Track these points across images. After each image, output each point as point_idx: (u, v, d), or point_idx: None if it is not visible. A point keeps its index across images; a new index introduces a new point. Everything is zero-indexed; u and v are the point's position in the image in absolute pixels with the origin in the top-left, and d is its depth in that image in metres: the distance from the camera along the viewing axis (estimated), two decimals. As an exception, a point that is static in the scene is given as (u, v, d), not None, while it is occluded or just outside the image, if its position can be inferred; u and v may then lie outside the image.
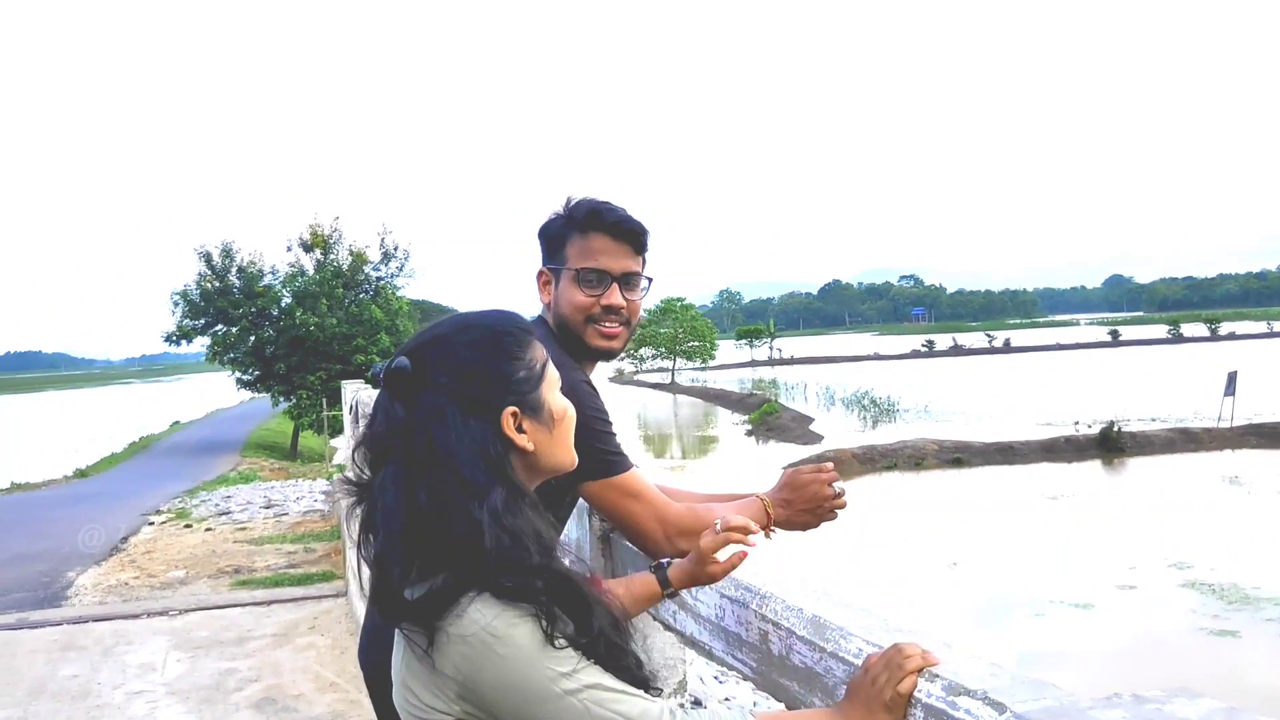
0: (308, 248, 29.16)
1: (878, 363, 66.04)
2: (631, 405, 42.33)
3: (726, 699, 5.96)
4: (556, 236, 2.11)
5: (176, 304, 28.45)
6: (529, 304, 2.15)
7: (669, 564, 1.65)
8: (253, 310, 28.06)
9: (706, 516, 1.93)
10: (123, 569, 9.64)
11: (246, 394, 32.17)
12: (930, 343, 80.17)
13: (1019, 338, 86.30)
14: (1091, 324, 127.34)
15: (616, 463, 1.95)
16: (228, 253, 28.72)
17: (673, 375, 54.42)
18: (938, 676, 1.10)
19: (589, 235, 2.07)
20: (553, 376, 1.39)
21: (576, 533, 2.45)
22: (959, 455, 20.48)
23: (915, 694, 1.14)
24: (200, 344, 29.51)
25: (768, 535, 2.03)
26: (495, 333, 1.36)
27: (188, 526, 12.12)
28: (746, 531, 1.59)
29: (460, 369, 1.32)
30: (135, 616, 7.80)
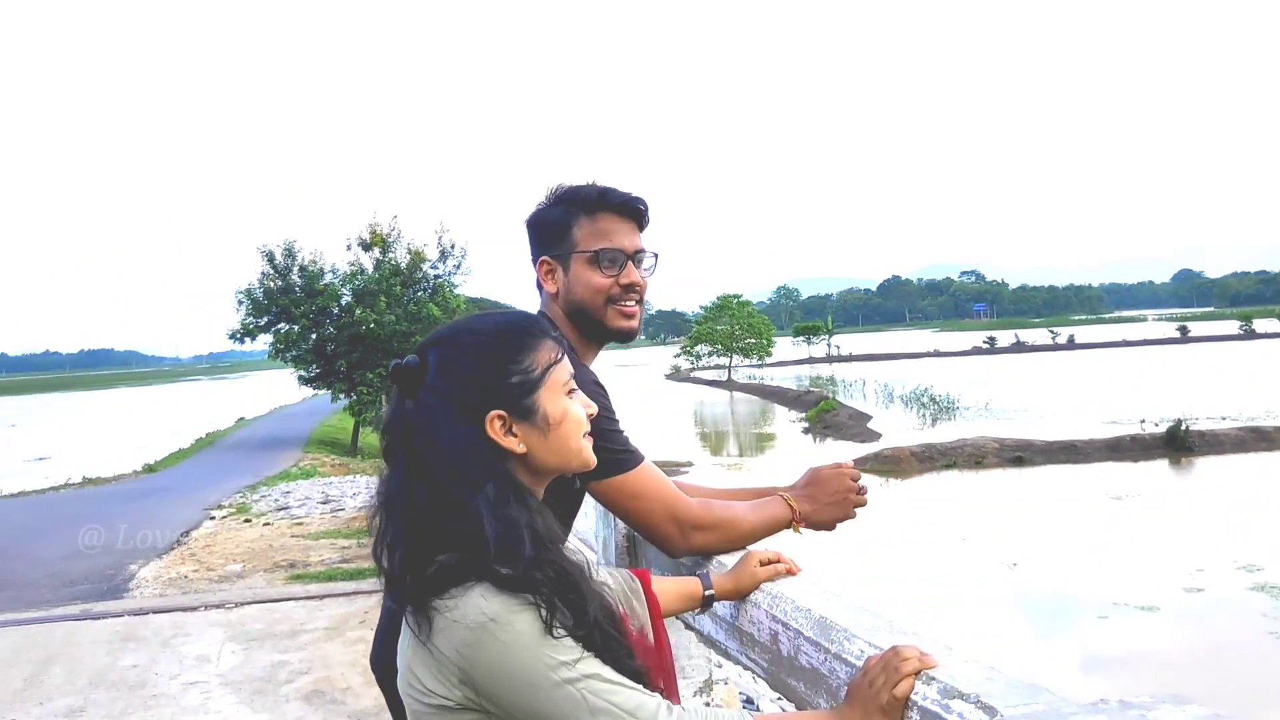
0: (367, 247, 29.50)
1: (938, 360, 65.12)
2: (688, 402, 42.26)
3: (779, 697, 5.92)
4: (558, 223, 2.10)
5: (241, 302, 29.00)
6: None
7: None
8: (313, 308, 28.46)
9: (723, 513, 1.93)
10: (183, 562, 9.85)
11: (308, 390, 32.68)
12: (992, 339, 78.96)
13: (1084, 334, 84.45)
14: (1160, 320, 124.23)
15: (624, 460, 1.92)
16: (290, 252, 29.17)
17: (729, 372, 54.22)
18: (934, 679, 1.11)
19: (597, 216, 2.07)
20: (556, 380, 1.42)
21: (603, 531, 2.44)
22: (1020, 454, 20.09)
23: (911, 697, 1.13)
24: (263, 341, 30.00)
25: (797, 529, 2.03)
26: (497, 336, 1.41)
27: (247, 521, 12.35)
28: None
29: (456, 371, 1.38)
30: (193, 609, 7.95)
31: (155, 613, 7.90)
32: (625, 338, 2.12)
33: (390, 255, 29.42)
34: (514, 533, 1.28)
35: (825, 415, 29.37)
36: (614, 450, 1.90)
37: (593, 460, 1.46)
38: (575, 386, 1.46)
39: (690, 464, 21.77)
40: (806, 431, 28.69)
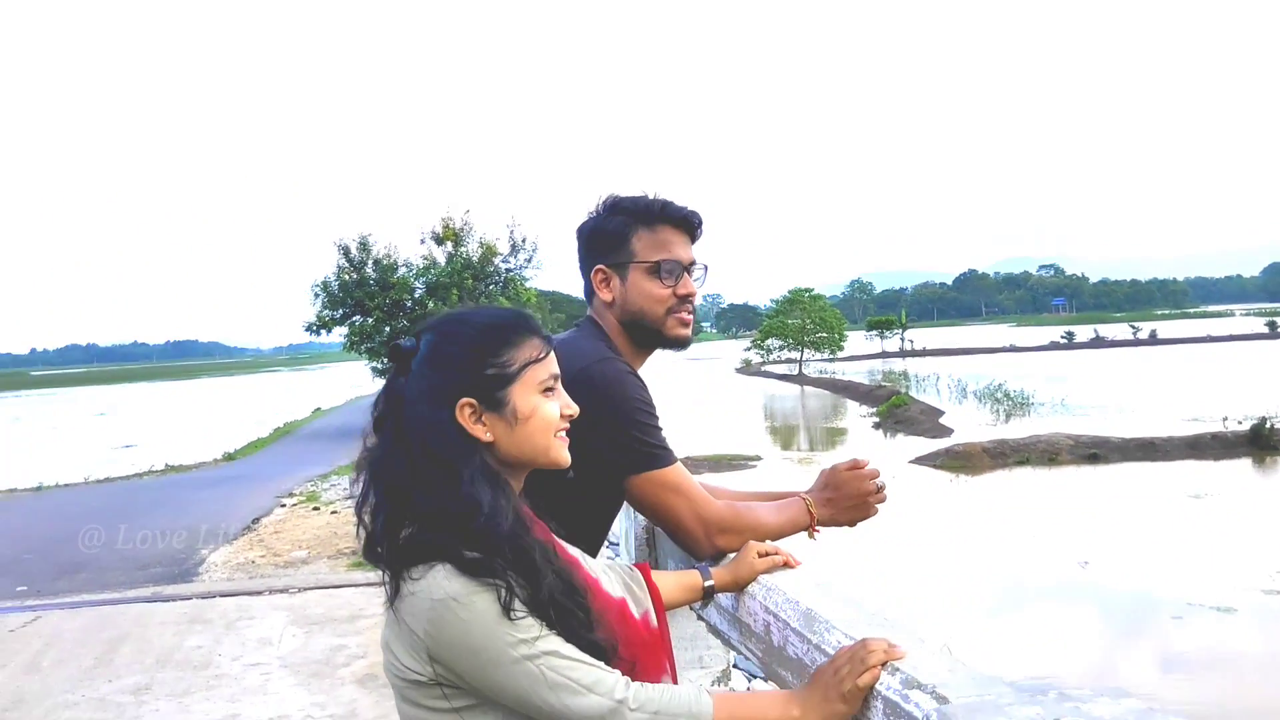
0: (439, 240, 29.85)
1: (1013, 355, 63.83)
2: (757, 396, 42.08)
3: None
4: (617, 233, 2.14)
5: (317, 295, 29.55)
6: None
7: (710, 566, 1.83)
8: (387, 301, 28.89)
9: (747, 516, 1.96)
10: (251, 548, 10.10)
11: (382, 382, 33.15)
12: (1070, 334, 77.10)
13: (1166, 329, 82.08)
14: (1248, 315, 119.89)
15: (659, 456, 1.96)
16: (364, 245, 29.64)
17: (799, 367, 53.78)
18: (899, 670, 1.14)
19: (656, 228, 2.13)
20: (532, 378, 1.48)
21: (625, 523, 2.46)
22: (1096, 451, 19.57)
23: (876, 686, 1.17)
24: (339, 334, 30.54)
25: (812, 535, 2.05)
26: (483, 330, 1.49)
27: (315, 509, 12.61)
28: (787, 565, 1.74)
29: (439, 357, 1.47)
30: (258, 593, 8.15)
31: (222, 596, 8.13)
32: (681, 345, 2.18)
33: (462, 249, 29.74)
34: (475, 510, 1.36)
35: (896, 410, 28.98)
36: (650, 446, 1.95)
37: (563, 459, 1.51)
38: (554, 386, 1.51)
39: (758, 458, 21.66)
40: (877, 427, 28.36)
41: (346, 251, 29.36)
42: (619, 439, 1.93)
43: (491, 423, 1.45)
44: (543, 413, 1.48)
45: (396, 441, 1.45)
